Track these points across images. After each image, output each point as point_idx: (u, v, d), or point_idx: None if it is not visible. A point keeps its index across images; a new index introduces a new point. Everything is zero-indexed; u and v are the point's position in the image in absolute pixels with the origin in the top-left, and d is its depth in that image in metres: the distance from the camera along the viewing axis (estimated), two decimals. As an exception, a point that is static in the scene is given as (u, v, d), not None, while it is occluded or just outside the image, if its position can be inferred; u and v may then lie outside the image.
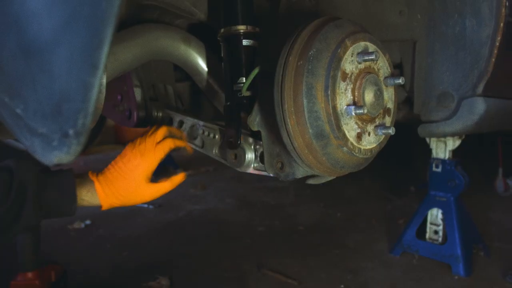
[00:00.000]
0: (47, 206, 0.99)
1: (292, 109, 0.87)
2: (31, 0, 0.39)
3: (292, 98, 0.87)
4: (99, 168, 1.11)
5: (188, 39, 1.29)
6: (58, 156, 0.45)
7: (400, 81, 0.95)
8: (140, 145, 1.11)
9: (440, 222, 2.48)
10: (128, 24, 1.22)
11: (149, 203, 3.74)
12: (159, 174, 1.15)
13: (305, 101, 0.85)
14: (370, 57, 0.89)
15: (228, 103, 1.11)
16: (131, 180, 1.07)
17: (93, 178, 1.06)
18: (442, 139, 2.37)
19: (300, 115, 0.87)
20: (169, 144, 1.12)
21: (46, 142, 0.45)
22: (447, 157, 2.41)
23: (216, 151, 1.19)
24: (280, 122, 0.90)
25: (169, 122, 1.40)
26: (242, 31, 1.08)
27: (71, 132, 0.44)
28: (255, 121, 1.02)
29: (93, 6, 0.41)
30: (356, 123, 0.90)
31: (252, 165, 1.09)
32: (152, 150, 1.10)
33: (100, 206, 1.07)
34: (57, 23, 0.40)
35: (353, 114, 0.87)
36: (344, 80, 0.87)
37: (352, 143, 0.89)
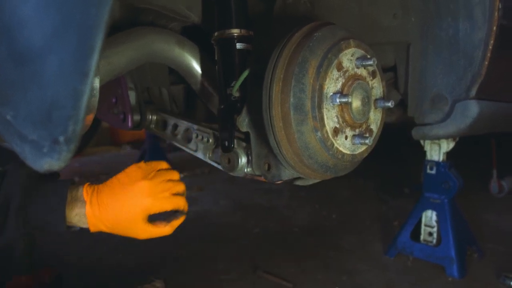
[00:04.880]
0: (34, 220, 0.92)
1: (280, 115, 0.88)
2: (22, 8, 0.39)
3: (280, 102, 0.88)
4: (93, 172, 1.09)
5: (182, 42, 1.29)
6: (48, 162, 0.45)
7: (390, 104, 0.95)
8: (152, 181, 0.99)
9: (434, 224, 2.48)
10: (123, 27, 1.22)
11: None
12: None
13: (292, 99, 0.87)
14: (369, 63, 0.90)
15: (222, 106, 1.11)
16: (128, 215, 0.95)
17: (87, 198, 0.95)
18: (436, 141, 2.37)
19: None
20: (181, 220, 1.14)
21: (36, 148, 0.45)
22: (441, 159, 2.42)
23: (210, 155, 1.19)
24: (267, 126, 0.91)
25: (163, 125, 1.40)
26: (236, 34, 1.08)
27: (61, 139, 0.44)
28: (244, 122, 1.03)
29: (83, 13, 0.41)
30: (337, 117, 0.90)
31: (245, 170, 1.09)
32: (165, 196, 1.03)
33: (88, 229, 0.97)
34: (47, 31, 0.40)
35: (338, 102, 0.87)
36: (338, 71, 0.88)
37: (327, 132, 0.88)
